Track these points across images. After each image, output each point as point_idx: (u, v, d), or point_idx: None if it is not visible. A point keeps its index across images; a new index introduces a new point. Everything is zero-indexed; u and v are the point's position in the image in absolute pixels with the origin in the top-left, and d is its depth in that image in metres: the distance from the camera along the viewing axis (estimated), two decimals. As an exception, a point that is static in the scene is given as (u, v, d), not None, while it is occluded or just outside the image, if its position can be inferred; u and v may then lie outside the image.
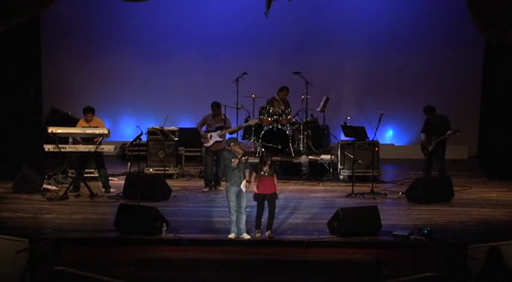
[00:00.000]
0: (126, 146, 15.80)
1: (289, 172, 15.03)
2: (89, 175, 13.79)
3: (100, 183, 13.39)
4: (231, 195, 10.57)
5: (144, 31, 16.94)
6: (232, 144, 10.71)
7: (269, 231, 10.53)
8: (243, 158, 10.56)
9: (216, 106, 13.61)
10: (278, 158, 14.77)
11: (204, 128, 13.69)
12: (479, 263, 9.56)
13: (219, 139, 13.49)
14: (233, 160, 10.56)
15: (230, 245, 10.42)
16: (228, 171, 10.67)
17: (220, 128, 13.53)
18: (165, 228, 10.58)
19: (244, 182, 10.54)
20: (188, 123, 15.91)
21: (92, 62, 17.08)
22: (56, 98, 16.30)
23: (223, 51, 16.91)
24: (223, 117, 13.70)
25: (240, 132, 15.08)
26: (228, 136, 13.73)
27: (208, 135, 13.51)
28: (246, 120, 14.93)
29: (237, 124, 14.62)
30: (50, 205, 12.42)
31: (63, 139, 13.38)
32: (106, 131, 13.05)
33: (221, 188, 13.37)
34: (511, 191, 13.52)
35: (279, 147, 14.69)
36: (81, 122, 13.41)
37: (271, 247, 10.40)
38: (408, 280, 9.81)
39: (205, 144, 13.59)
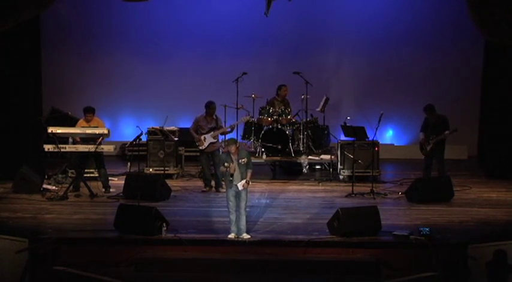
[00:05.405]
0: (126, 146, 15.81)
1: (289, 172, 15.03)
2: (88, 175, 13.78)
3: (100, 183, 13.38)
4: (229, 195, 10.55)
5: (144, 31, 16.93)
6: (226, 143, 10.59)
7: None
8: (227, 166, 10.37)
9: (213, 106, 13.43)
10: (278, 158, 14.79)
11: None
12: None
13: (213, 140, 13.39)
14: (221, 167, 10.46)
15: (230, 245, 10.41)
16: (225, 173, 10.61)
17: (213, 129, 13.45)
18: (165, 228, 10.57)
19: (243, 181, 10.49)
20: (188, 123, 15.80)
21: (92, 61, 17.07)
22: (56, 98, 16.33)
23: (223, 51, 16.90)
24: (214, 117, 13.56)
25: (240, 132, 15.07)
26: (221, 137, 13.72)
27: (202, 137, 13.41)
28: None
29: (237, 125, 14.54)
30: (50, 205, 12.42)
31: (63, 139, 13.38)
32: (106, 131, 13.03)
33: (223, 191, 13.32)
34: (511, 191, 13.51)
35: (279, 147, 14.68)
36: (81, 121, 13.39)
37: (271, 247, 10.39)
38: (408, 280, 9.80)
39: (200, 147, 13.48)
